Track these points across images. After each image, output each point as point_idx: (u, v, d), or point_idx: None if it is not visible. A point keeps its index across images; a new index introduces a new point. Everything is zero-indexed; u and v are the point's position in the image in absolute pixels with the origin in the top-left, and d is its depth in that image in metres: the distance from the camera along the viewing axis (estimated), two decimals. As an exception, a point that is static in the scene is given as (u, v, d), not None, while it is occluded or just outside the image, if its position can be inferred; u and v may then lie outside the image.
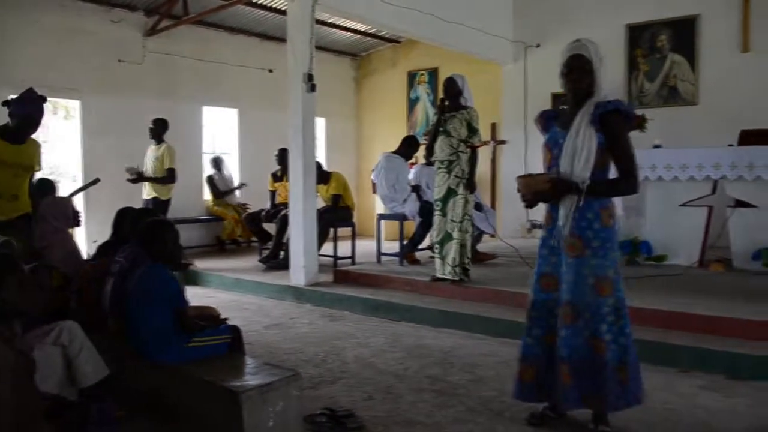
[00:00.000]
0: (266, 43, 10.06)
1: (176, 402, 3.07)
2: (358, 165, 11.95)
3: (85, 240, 7.63)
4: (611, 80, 8.24)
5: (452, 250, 5.60)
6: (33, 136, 4.20)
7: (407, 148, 7.44)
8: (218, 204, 9.32)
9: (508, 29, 9.55)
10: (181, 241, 3.49)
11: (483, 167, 9.52)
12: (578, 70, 2.89)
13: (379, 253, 7.35)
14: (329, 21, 9.72)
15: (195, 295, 6.25)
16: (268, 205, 8.35)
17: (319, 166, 7.10)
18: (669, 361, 3.99)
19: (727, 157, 5.92)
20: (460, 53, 9.14)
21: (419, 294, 5.87)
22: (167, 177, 7.35)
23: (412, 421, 3.20)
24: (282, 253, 7.46)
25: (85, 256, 5.05)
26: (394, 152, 7.36)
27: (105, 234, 4.33)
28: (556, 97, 8.86)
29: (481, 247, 7.29)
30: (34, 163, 4.17)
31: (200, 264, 7.89)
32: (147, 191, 7.49)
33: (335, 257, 7.52)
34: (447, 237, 5.63)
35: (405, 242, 7.09)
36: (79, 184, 7.55)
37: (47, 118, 8.32)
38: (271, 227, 7.97)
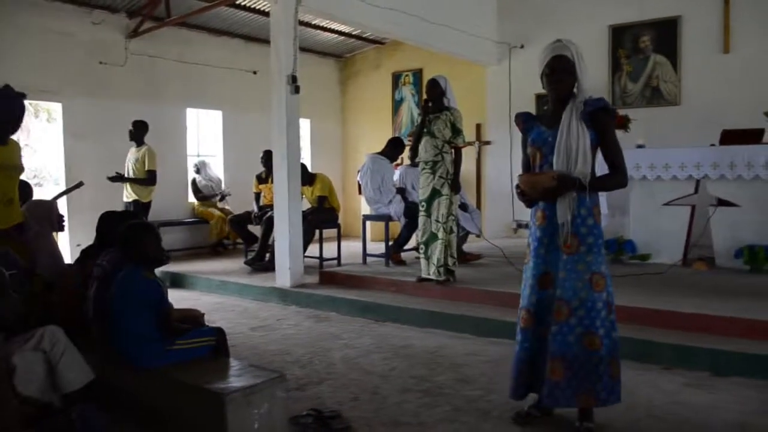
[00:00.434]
0: (250, 45, 10.04)
1: (160, 405, 3.05)
2: (343, 166, 11.95)
3: (68, 244, 7.57)
4: (595, 81, 8.31)
5: (437, 250, 5.61)
6: (13, 137, 4.09)
7: (392, 149, 7.45)
8: (203, 205, 9.28)
9: (492, 30, 9.58)
10: (166, 244, 3.46)
11: (468, 168, 9.60)
12: (561, 71, 2.90)
13: (365, 254, 7.34)
14: (313, 22, 9.72)
15: (180, 298, 6.26)
16: (253, 208, 8.33)
17: (304, 167, 7.09)
18: (653, 359, 4.02)
19: (709, 156, 6.00)
20: (444, 54, 9.17)
21: (405, 295, 5.87)
22: (147, 179, 7.32)
23: (398, 421, 3.20)
24: (268, 255, 7.44)
25: (68, 261, 5.00)
26: (380, 153, 7.37)
27: (88, 238, 4.29)
28: (539, 98, 8.92)
29: (467, 247, 7.30)
30: (19, 162, 3.98)
31: (186, 266, 7.85)
32: (127, 194, 7.46)
33: (321, 259, 7.51)
34: (432, 237, 5.64)
35: (390, 243, 7.10)
36: (62, 187, 7.49)
37: (29, 121, 8.29)
38: (256, 229, 7.96)
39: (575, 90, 2.95)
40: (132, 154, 7.50)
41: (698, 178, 6.13)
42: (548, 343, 2.88)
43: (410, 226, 6.78)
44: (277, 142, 6.44)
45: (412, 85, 10.91)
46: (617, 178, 2.94)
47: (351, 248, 8.41)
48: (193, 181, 9.38)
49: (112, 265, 3.41)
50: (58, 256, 4.55)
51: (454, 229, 5.71)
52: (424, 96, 5.77)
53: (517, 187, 2.98)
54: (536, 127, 3.04)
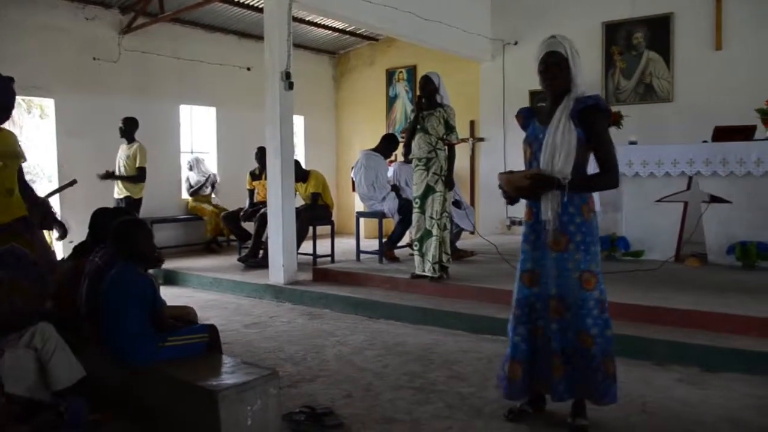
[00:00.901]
0: (244, 41, 10.01)
1: (153, 402, 3.05)
2: (337, 163, 11.94)
3: (61, 241, 7.53)
4: (588, 78, 8.31)
5: (432, 247, 5.62)
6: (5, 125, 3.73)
7: (386, 145, 7.44)
8: (195, 200, 9.25)
9: (486, 27, 9.58)
10: (160, 242, 3.45)
11: (462, 164, 9.59)
12: (555, 66, 2.89)
13: (359, 251, 7.34)
14: (307, 19, 9.70)
15: (174, 295, 6.25)
16: (246, 204, 8.32)
17: (297, 164, 7.08)
18: (646, 355, 4.04)
19: (701, 153, 6.02)
20: (438, 51, 9.17)
21: (399, 291, 5.87)
22: (138, 176, 7.30)
23: (391, 418, 3.20)
24: (261, 251, 7.43)
25: (60, 257, 4.97)
26: (374, 150, 7.36)
27: (81, 235, 4.27)
28: (533, 95, 8.93)
29: (461, 244, 7.31)
30: (17, 150, 3.71)
31: (179, 264, 7.84)
32: (119, 190, 7.45)
33: (314, 255, 7.51)
34: (426, 234, 5.64)
35: (384, 240, 7.10)
36: (55, 184, 7.46)
37: (22, 117, 8.24)
38: (249, 226, 7.95)
39: (570, 86, 2.93)
40: (123, 151, 7.48)
41: (691, 175, 6.15)
42: (550, 342, 2.89)
43: (404, 223, 6.78)
44: (270, 138, 6.42)
45: (406, 81, 10.90)
46: (605, 178, 2.88)
47: (344, 245, 8.41)
48: (188, 179, 9.35)
49: (104, 262, 3.40)
50: (50, 251, 4.53)
51: (448, 225, 5.72)
52: (418, 92, 5.77)
53: (500, 185, 2.97)
54: (533, 123, 3.04)
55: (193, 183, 9.32)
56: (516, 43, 9.41)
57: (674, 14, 8.08)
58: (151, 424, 3.02)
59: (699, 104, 7.75)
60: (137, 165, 7.30)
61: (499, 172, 3.07)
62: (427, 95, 5.64)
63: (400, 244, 7.16)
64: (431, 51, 9.33)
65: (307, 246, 7.55)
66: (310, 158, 10.97)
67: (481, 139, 9.99)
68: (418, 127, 5.63)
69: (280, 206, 6.36)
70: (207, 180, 9.36)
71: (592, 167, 2.95)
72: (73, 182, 5.77)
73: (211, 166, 9.73)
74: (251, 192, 8.33)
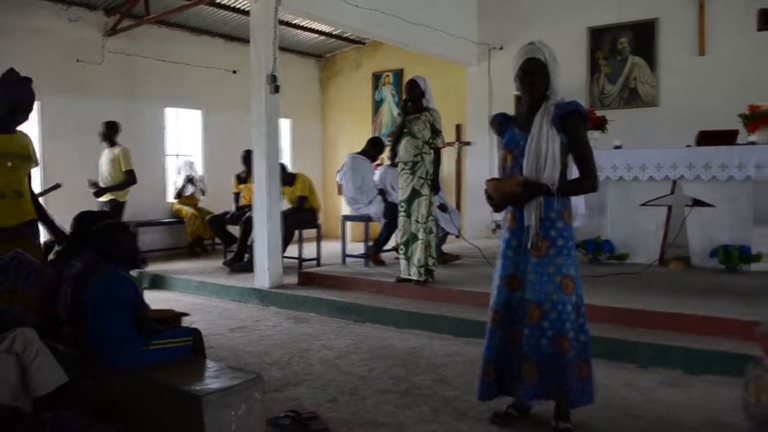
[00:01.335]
0: (230, 44, 9.98)
1: (136, 407, 3.02)
2: (324, 166, 11.93)
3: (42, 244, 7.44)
4: (573, 82, 8.39)
5: (417, 250, 5.62)
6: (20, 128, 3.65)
7: (372, 148, 7.44)
8: (179, 203, 9.19)
9: (472, 31, 9.62)
10: (144, 245, 3.42)
11: (448, 168, 9.63)
12: (534, 72, 2.91)
13: (345, 255, 7.33)
14: (293, 22, 9.69)
15: (158, 299, 6.20)
16: (232, 207, 8.28)
17: (283, 167, 7.06)
18: (629, 358, 4.07)
19: (685, 157, 6.07)
20: (424, 55, 9.19)
21: (384, 295, 5.87)
22: (128, 180, 7.19)
23: (376, 422, 3.20)
24: (246, 255, 7.39)
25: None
26: (360, 153, 7.36)
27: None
28: (519, 99, 8.95)
29: (446, 247, 7.32)
30: (30, 153, 3.65)
31: (164, 267, 7.78)
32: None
33: (300, 259, 7.49)
34: (412, 238, 5.65)
35: (370, 243, 7.09)
36: (38, 188, 7.38)
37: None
38: (235, 230, 7.90)
39: (548, 92, 2.95)
40: (105, 155, 7.29)
41: (674, 179, 6.21)
42: (521, 346, 2.89)
43: (390, 227, 6.77)
44: (256, 141, 6.40)
45: (393, 85, 10.92)
46: (586, 183, 2.93)
47: (331, 249, 8.39)
48: (174, 182, 9.30)
49: (86, 266, 3.37)
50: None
51: (434, 229, 5.73)
52: (404, 96, 5.77)
53: (486, 191, 2.97)
54: (510, 129, 3.04)
55: (177, 185, 9.26)
56: (501, 48, 9.45)
57: (659, 20, 8.15)
58: (134, 428, 2.99)
59: (683, 109, 7.82)
60: (124, 169, 7.13)
61: (485, 179, 3.06)
62: (414, 99, 5.65)
63: (386, 247, 7.16)
64: (418, 55, 9.35)
65: (292, 249, 7.53)
66: (296, 161, 10.95)
67: (467, 143, 10.02)
68: (405, 130, 5.63)
69: (266, 210, 6.33)
70: (188, 180, 9.27)
71: (574, 172, 2.97)
72: (56, 186, 5.71)
73: (197, 168, 9.67)
74: (237, 195, 8.29)
